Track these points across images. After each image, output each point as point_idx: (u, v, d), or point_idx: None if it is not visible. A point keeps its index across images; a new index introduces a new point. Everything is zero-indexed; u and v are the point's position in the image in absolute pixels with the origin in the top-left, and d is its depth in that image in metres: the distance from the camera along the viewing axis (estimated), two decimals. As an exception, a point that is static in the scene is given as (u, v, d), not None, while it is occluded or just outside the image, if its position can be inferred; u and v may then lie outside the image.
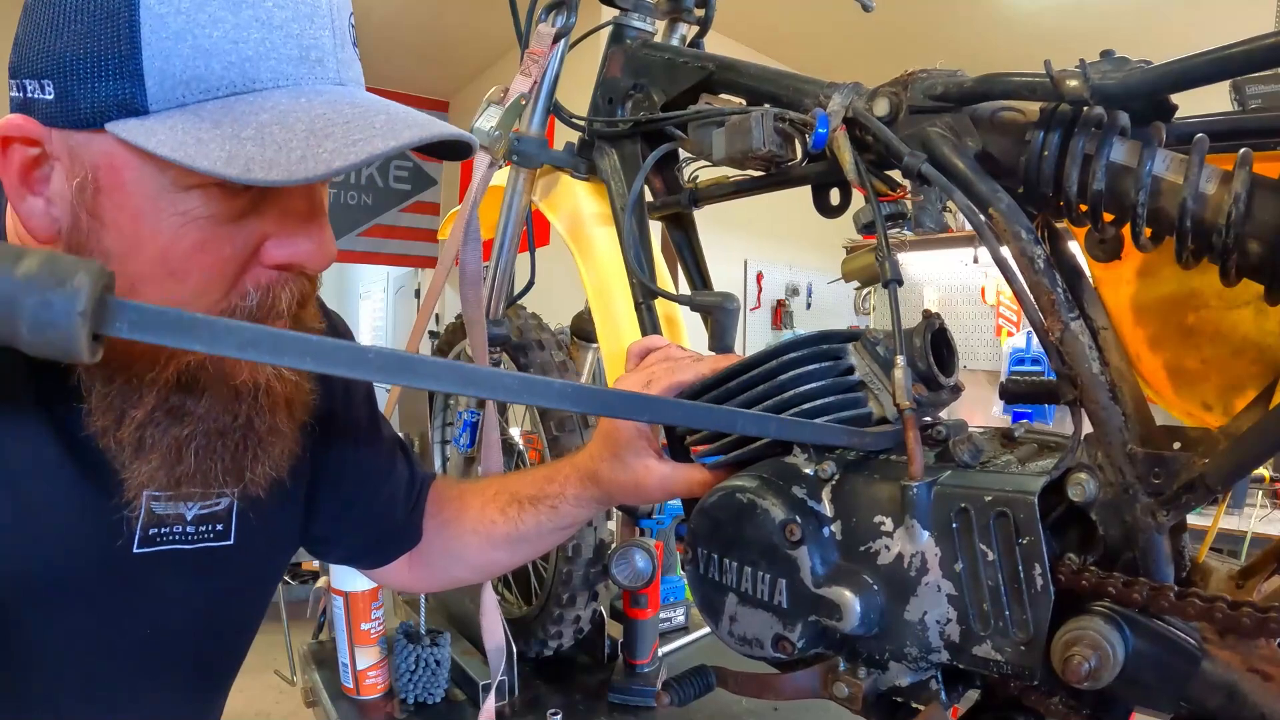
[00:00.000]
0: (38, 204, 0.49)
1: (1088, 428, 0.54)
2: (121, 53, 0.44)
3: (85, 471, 0.55)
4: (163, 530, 0.61)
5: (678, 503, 0.99)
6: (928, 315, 0.62)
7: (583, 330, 1.48)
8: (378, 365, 0.37)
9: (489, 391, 0.42)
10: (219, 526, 0.64)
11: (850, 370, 0.61)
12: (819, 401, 0.58)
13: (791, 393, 0.59)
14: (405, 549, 0.83)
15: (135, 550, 0.59)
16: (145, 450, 0.52)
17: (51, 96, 0.46)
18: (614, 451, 0.71)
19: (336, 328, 0.77)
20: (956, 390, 0.64)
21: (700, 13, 0.97)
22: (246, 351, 0.34)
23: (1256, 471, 2.59)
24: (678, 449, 0.74)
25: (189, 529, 0.62)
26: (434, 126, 0.49)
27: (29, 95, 0.47)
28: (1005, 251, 0.55)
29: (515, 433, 1.43)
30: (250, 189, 0.48)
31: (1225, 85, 0.54)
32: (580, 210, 1.00)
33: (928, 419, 0.61)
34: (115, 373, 0.51)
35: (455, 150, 0.54)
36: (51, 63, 0.46)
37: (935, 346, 0.62)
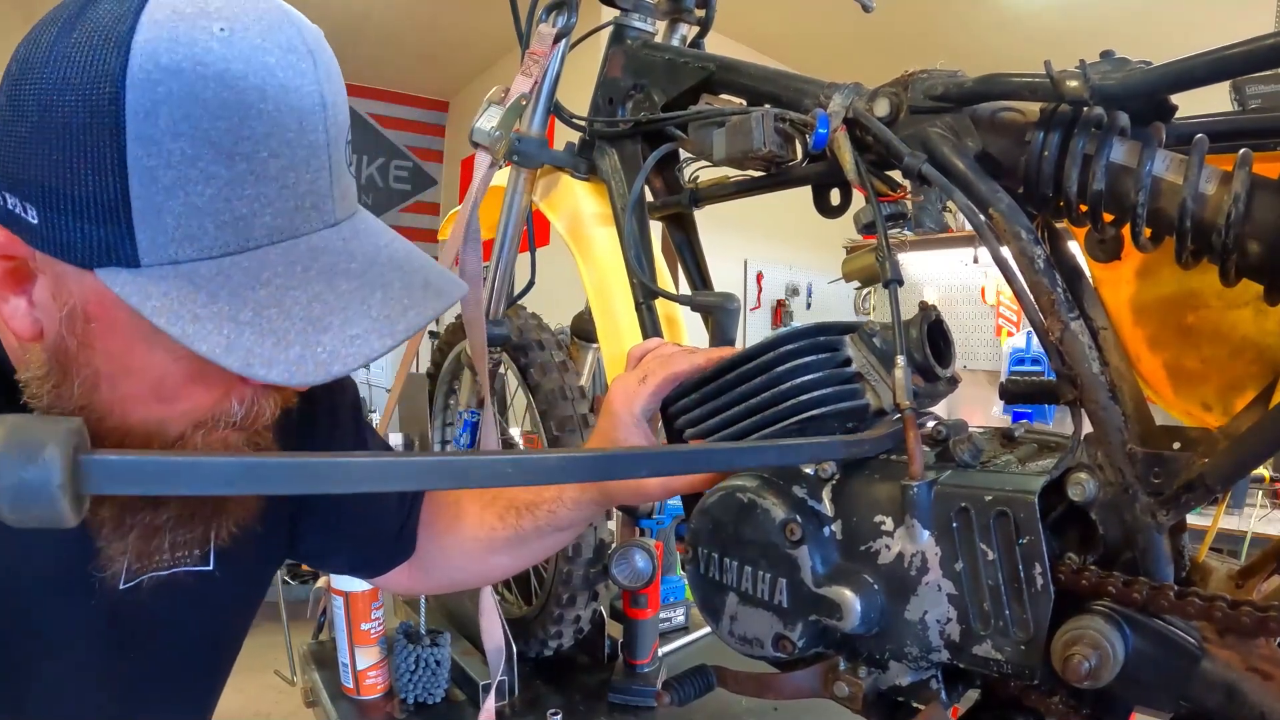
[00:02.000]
0: (20, 304, 0.47)
1: (1088, 428, 0.54)
2: (110, 199, 0.41)
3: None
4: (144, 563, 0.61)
5: (678, 503, 0.99)
6: (924, 307, 0.62)
7: (583, 330, 1.48)
8: (361, 475, 0.35)
9: (480, 481, 0.41)
10: (195, 552, 0.64)
11: (847, 362, 0.61)
12: (816, 393, 0.58)
13: (789, 384, 0.59)
14: (399, 560, 0.82)
15: (121, 586, 0.59)
16: (123, 532, 0.53)
17: (35, 221, 0.43)
18: None
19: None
20: (953, 382, 0.64)
21: (700, 13, 0.97)
22: (234, 487, 0.33)
23: (1256, 471, 2.59)
24: (675, 442, 0.74)
25: (164, 557, 0.61)
26: (437, 301, 0.48)
27: (8, 206, 0.44)
28: (1005, 251, 0.55)
29: (515, 433, 1.43)
30: None
31: (1225, 85, 0.54)
32: (580, 210, 1.00)
33: (927, 414, 0.61)
34: None
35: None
36: (34, 186, 0.42)
37: (932, 338, 0.62)
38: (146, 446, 0.50)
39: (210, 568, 0.65)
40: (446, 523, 0.83)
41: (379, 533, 0.80)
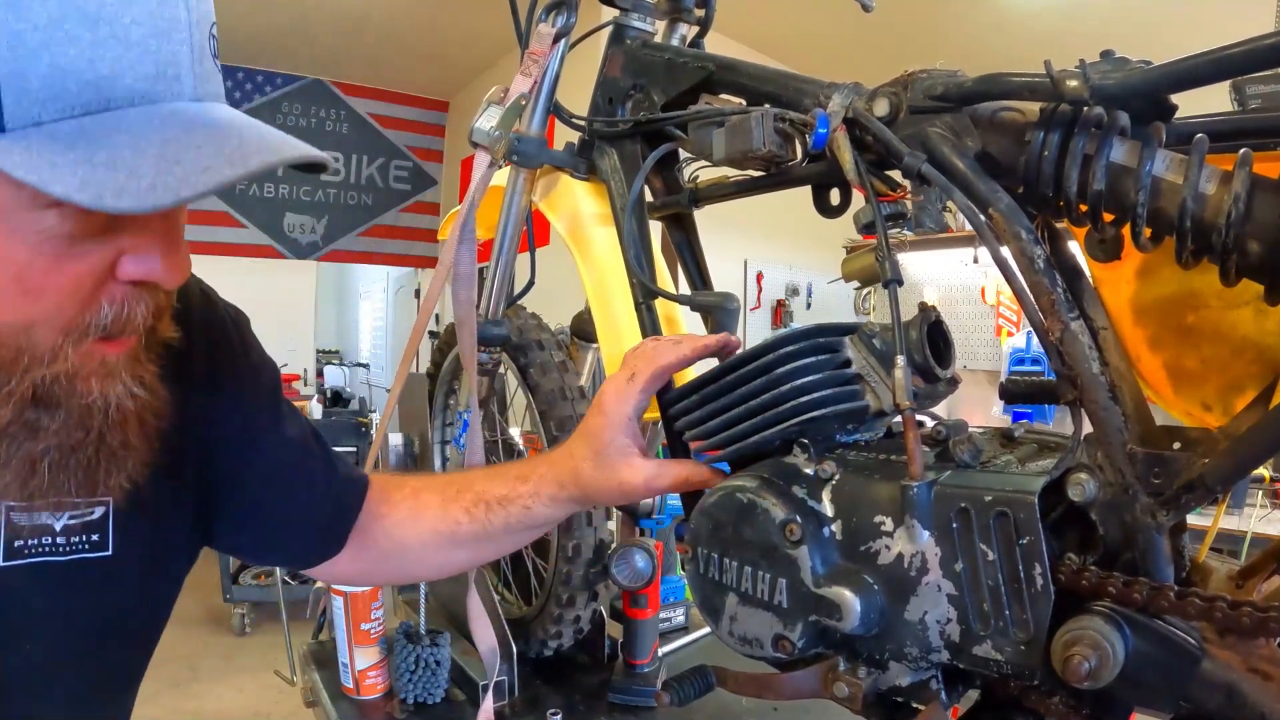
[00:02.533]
0: None
1: (1088, 428, 0.54)
2: None
3: None
4: (29, 542, 0.60)
5: (677, 502, 0.99)
6: (924, 308, 0.62)
7: (583, 330, 1.48)
8: None
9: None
10: (94, 537, 0.63)
11: (847, 363, 0.61)
12: (816, 394, 0.58)
13: (789, 385, 0.59)
14: (328, 554, 0.80)
15: (1, 564, 0.58)
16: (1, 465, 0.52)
17: None
18: (596, 450, 0.70)
19: (227, 322, 0.74)
20: (953, 382, 0.64)
21: (700, 13, 0.97)
22: None
23: (1256, 471, 2.59)
24: (677, 444, 0.74)
25: (59, 540, 0.61)
26: (284, 151, 0.49)
27: None
28: (1005, 251, 0.55)
29: (515, 432, 1.43)
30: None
31: (1225, 85, 0.54)
32: (580, 210, 1.00)
33: (926, 415, 0.61)
34: None
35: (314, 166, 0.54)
36: None
37: (932, 339, 0.62)
38: (17, 360, 0.49)
39: (109, 553, 0.63)
40: (404, 514, 0.81)
41: (304, 526, 0.77)
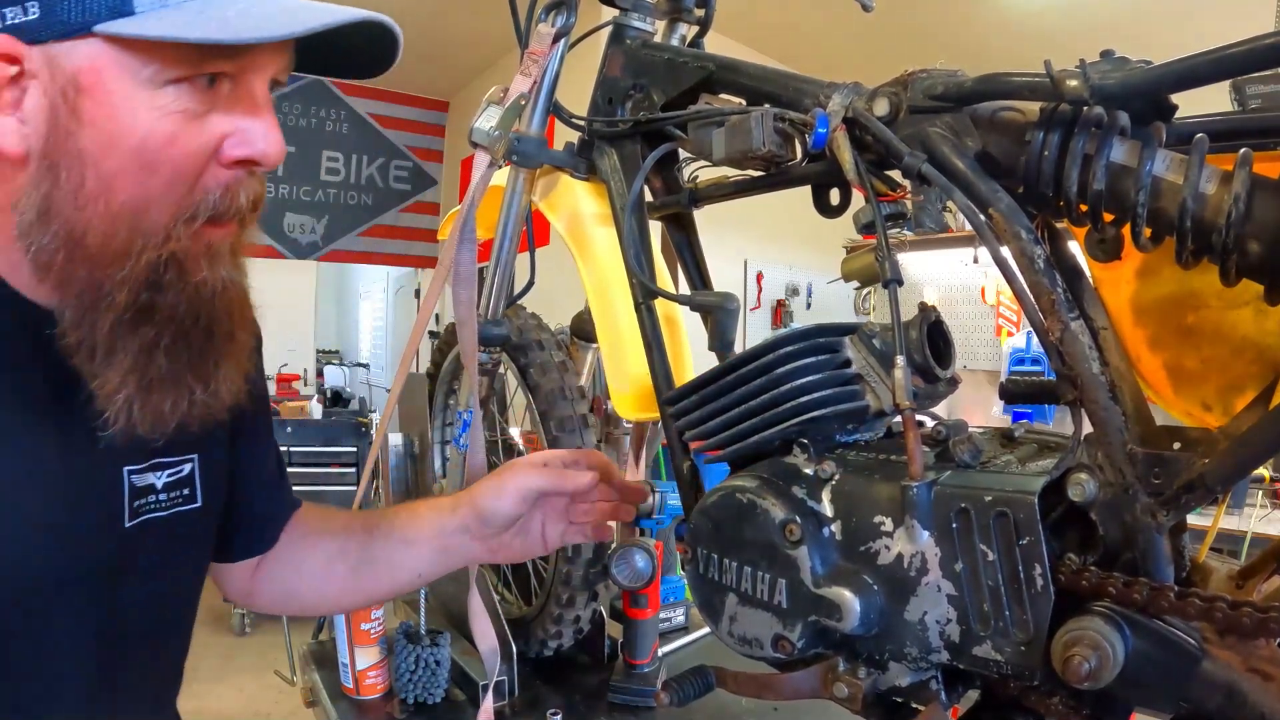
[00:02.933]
0: (10, 122, 0.53)
1: (1088, 428, 0.54)
2: None
3: (75, 443, 0.59)
4: (145, 501, 0.65)
5: (677, 502, 0.99)
6: (924, 308, 0.62)
7: (583, 330, 1.48)
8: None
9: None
10: (185, 491, 0.69)
11: (847, 363, 0.61)
12: (816, 394, 0.58)
13: (789, 385, 0.59)
14: (254, 549, 0.82)
15: (126, 525, 0.63)
16: (117, 352, 0.55)
17: (36, 15, 0.51)
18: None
19: (256, 324, 0.76)
20: (953, 383, 0.64)
21: (700, 13, 0.97)
22: None
23: (1256, 471, 2.59)
24: (677, 444, 0.74)
25: (161, 496, 0.67)
26: (369, 13, 0.56)
27: (8, 21, 0.51)
28: (1005, 251, 0.55)
29: (515, 433, 1.43)
30: (216, 90, 0.55)
31: (1225, 85, 0.54)
32: (580, 210, 1.00)
33: (926, 415, 0.61)
34: (87, 283, 0.55)
35: (384, 55, 0.62)
36: None
37: (931, 339, 0.62)
38: (132, 241, 0.54)
39: (199, 504, 0.69)
40: (312, 525, 0.85)
41: (250, 505, 0.80)
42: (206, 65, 0.53)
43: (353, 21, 0.55)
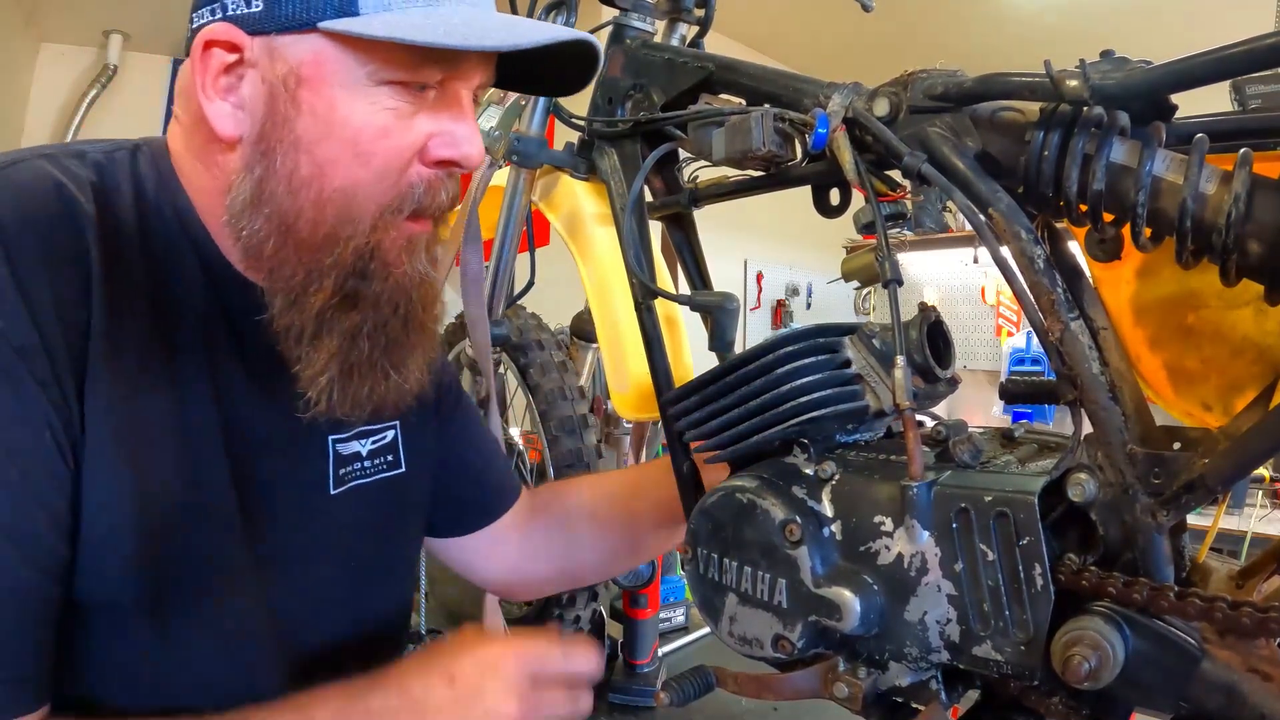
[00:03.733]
0: (225, 107, 0.56)
1: (1088, 428, 0.54)
2: None
3: (285, 416, 0.62)
4: (351, 469, 0.69)
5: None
6: (924, 308, 0.62)
7: (583, 330, 1.48)
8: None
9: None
10: (389, 457, 0.73)
11: (847, 363, 0.61)
12: (816, 394, 0.58)
13: (789, 385, 0.59)
14: (496, 508, 0.85)
15: (332, 492, 0.67)
16: (323, 335, 0.58)
17: (260, 8, 0.54)
18: None
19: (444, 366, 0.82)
20: (953, 383, 0.64)
21: (700, 13, 0.97)
22: None
23: (1256, 471, 2.59)
24: (676, 444, 0.74)
25: (365, 464, 0.71)
26: (577, 32, 0.60)
27: (230, 12, 0.55)
28: (1005, 251, 0.55)
29: (515, 432, 1.43)
30: (424, 92, 0.57)
31: (1225, 85, 0.54)
32: (580, 210, 1.00)
33: (926, 415, 0.61)
34: (296, 267, 0.58)
35: (581, 74, 0.66)
36: None
37: (931, 339, 0.62)
38: (340, 228, 0.57)
39: (403, 469, 0.73)
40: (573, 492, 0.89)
41: (484, 477, 0.85)
42: (422, 70, 0.56)
43: (567, 41, 0.57)
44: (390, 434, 0.73)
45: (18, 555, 0.49)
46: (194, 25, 0.57)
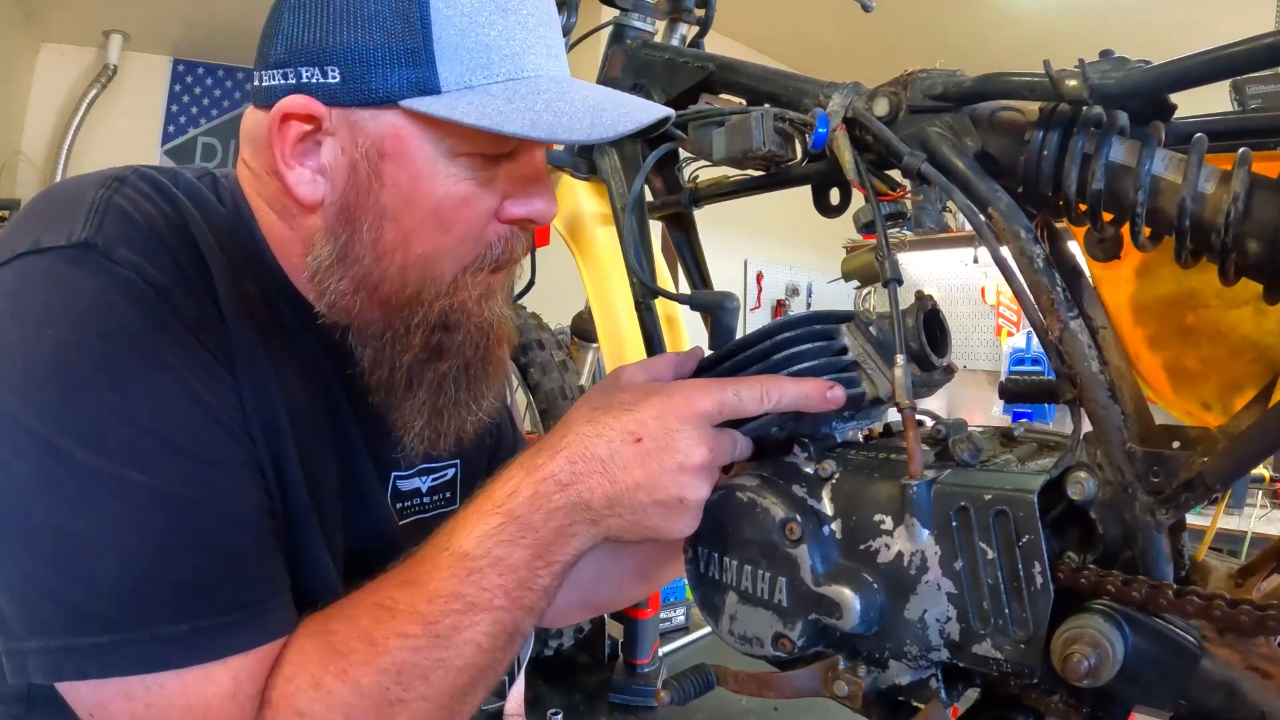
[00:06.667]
0: (305, 174, 0.57)
1: (1087, 427, 0.54)
2: (415, 45, 0.54)
3: (355, 451, 0.65)
4: (410, 504, 0.72)
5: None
6: (920, 296, 0.62)
7: (583, 330, 1.48)
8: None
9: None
10: (448, 494, 0.75)
11: (844, 350, 0.61)
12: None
13: (785, 372, 0.59)
14: None
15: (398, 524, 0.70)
16: (415, 387, 0.62)
17: (337, 81, 0.55)
18: None
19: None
20: (949, 371, 0.64)
21: (700, 13, 0.97)
22: None
23: (1256, 471, 2.59)
24: None
25: (425, 499, 0.73)
26: (651, 110, 0.60)
27: (304, 80, 0.56)
28: (1005, 251, 0.55)
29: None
30: (499, 159, 0.59)
31: (1225, 85, 0.54)
32: (580, 210, 1.01)
33: (925, 414, 0.61)
34: (385, 326, 0.61)
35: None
36: (339, 53, 0.55)
37: (928, 327, 0.62)
38: (424, 290, 0.59)
39: (458, 506, 0.74)
40: None
41: None
42: (501, 146, 0.57)
43: (652, 123, 0.58)
44: (450, 471, 0.75)
45: (257, 487, 0.54)
46: (262, 83, 0.58)
